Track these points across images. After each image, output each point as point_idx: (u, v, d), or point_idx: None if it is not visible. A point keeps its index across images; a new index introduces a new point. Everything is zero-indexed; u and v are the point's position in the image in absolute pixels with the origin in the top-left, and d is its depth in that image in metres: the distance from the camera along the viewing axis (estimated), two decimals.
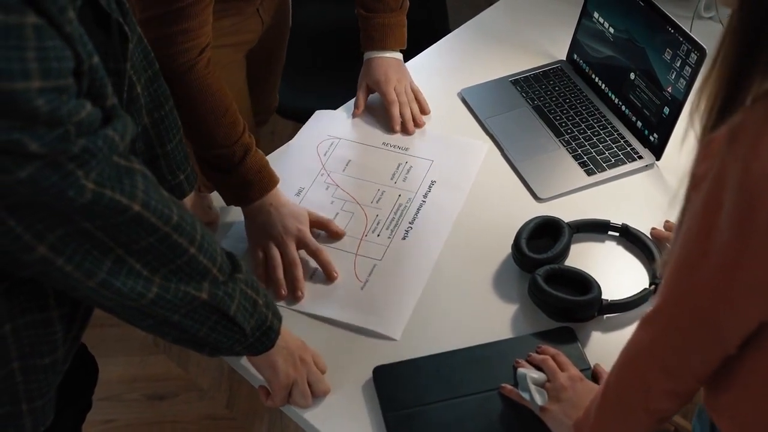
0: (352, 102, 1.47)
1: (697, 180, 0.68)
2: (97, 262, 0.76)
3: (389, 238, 1.22)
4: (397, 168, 1.34)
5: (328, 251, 1.18)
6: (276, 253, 1.16)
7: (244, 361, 1.06)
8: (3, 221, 0.69)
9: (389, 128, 1.40)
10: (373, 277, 1.16)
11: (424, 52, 1.58)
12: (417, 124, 1.41)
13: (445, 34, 1.65)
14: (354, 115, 1.43)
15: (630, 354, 0.81)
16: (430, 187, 1.30)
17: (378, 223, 1.24)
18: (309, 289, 1.14)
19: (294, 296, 1.14)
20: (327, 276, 1.16)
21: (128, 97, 0.91)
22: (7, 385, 0.86)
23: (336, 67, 1.92)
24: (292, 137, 1.42)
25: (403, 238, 1.22)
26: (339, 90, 1.52)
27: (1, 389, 0.86)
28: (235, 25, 1.39)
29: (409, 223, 1.24)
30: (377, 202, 1.28)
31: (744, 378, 0.74)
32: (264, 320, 0.93)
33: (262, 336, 0.94)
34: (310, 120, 1.45)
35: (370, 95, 1.46)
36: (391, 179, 1.32)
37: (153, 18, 1.08)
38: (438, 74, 1.53)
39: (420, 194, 1.29)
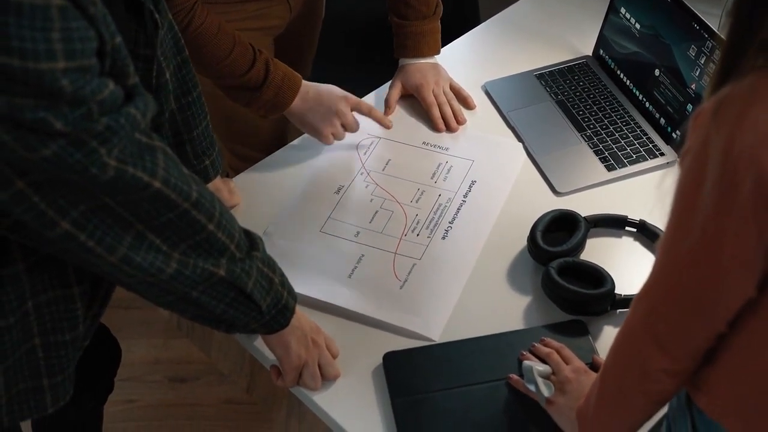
0: (372, 95, 1.48)
1: (683, 153, 0.67)
2: (118, 237, 0.78)
3: (429, 237, 1.22)
4: (438, 168, 1.34)
5: (368, 250, 1.19)
6: (340, 128, 1.32)
7: (258, 342, 1.08)
8: (27, 197, 0.72)
9: (432, 129, 1.41)
10: (412, 277, 1.16)
11: (451, 43, 1.59)
12: (458, 121, 1.42)
13: (476, 26, 1.65)
14: (385, 115, 1.44)
15: (624, 333, 0.80)
16: (470, 187, 1.30)
17: (418, 223, 1.24)
18: (347, 286, 1.15)
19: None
20: (385, 126, 1.38)
21: (157, 82, 0.93)
22: (29, 360, 0.89)
23: (369, 60, 1.92)
24: None
25: (443, 238, 1.21)
26: (370, 82, 1.53)
27: (23, 364, 0.89)
28: (260, 10, 1.40)
29: (449, 222, 1.24)
30: (417, 202, 1.28)
31: (725, 355, 0.74)
32: (280, 299, 0.95)
33: (278, 314, 0.95)
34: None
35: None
36: (432, 178, 1.31)
37: None
38: (464, 66, 1.54)
39: (460, 194, 1.28)
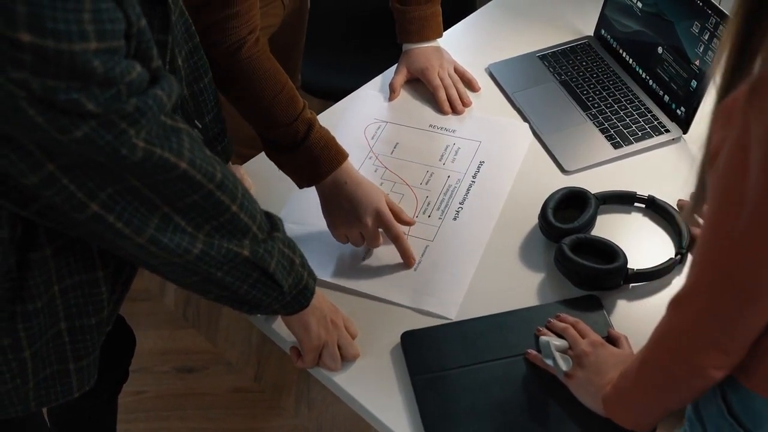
0: (378, 79, 1.49)
1: (715, 150, 0.67)
2: (145, 219, 0.79)
3: (440, 218, 1.23)
4: (445, 149, 1.35)
5: (381, 233, 1.19)
6: (359, 238, 1.16)
7: (276, 325, 1.09)
8: (57, 180, 0.72)
9: (438, 111, 1.42)
10: (426, 258, 1.17)
11: (453, 27, 1.60)
12: (464, 104, 1.42)
13: (475, 9, 1.66)
14: (390, 99, 1.45)
15: (670, 334, 0.79)
16: (479, 167, 1.31)
17: (428, 204, 1.25)
18: (363, 269, 1.16)
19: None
20: (406, 263, 1.15)
21: (169, 68, 0.93)
22: (56, 345, 0.90)
23: (363, 46, 1.93)
24: (318, 115, 1.44)
25: (454, 219, 1.23)
26: (366, 68, 1.54)
27: (50, 348, 0.89)
28: (260, 9, 1.40)
29: (460, 203, 1.25)
30: (426, 184, 1.29)
31: None
32: (300, 279, 0.96)
33: (298, 295, 0.96)
34: (353, 101, 1.45)
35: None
36: (440, 160, 1.32)
37: (202, 5, 1.08)
38: (467, 49, 1.54)
39: (469, 175, 1.30)
